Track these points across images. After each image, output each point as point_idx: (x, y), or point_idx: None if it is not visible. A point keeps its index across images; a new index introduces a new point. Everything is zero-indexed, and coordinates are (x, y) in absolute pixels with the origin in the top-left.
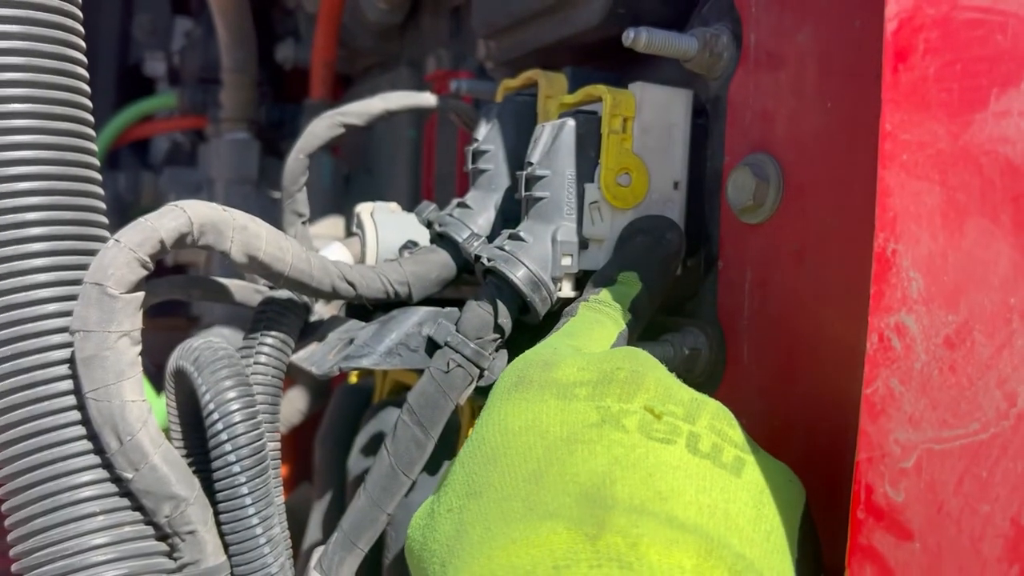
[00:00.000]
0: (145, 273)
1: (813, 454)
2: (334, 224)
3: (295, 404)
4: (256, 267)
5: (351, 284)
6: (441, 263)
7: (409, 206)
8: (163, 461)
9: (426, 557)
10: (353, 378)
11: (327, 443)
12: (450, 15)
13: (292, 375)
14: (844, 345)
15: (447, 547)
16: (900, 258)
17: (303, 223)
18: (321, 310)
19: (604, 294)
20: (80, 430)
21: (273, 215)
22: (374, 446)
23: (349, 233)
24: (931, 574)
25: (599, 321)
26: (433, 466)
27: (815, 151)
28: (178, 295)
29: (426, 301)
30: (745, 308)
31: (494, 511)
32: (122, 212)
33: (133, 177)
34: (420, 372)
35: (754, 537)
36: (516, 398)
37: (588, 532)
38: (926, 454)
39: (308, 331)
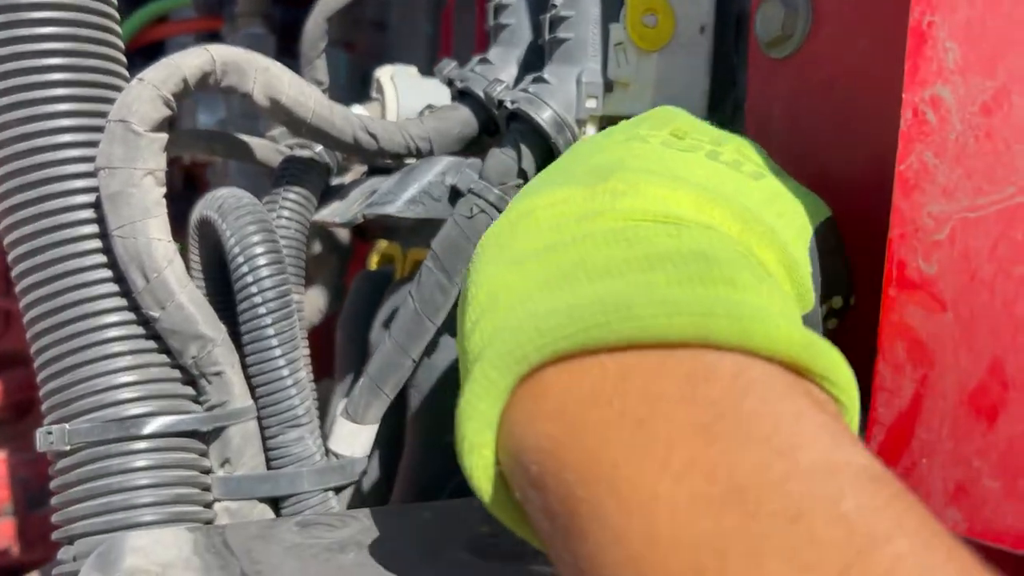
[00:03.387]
0: (168, 113)
1: None
2: None
3: (315, 303)
4: (278, 111)
5: (373, 136)
6: (463, 120)
7: None
8: (189, 300)
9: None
10: (373, 263)
11: (348, 325)
12: None
13: (309, 272)
14: (877, 167)
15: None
16: (936, 30)
17: (323, 91)
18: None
19: None
20: (106, 272)
21: None
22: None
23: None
24: (963, 342)
25: None
26: (454, 325)
27: None
28: (200, 149)
29: None
30: (772, 144)
31: (538, 184)
32: None
33: None
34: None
35: (764, 209)
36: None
37: (590, 186)
38: (960, 224)
39: (330, 193)
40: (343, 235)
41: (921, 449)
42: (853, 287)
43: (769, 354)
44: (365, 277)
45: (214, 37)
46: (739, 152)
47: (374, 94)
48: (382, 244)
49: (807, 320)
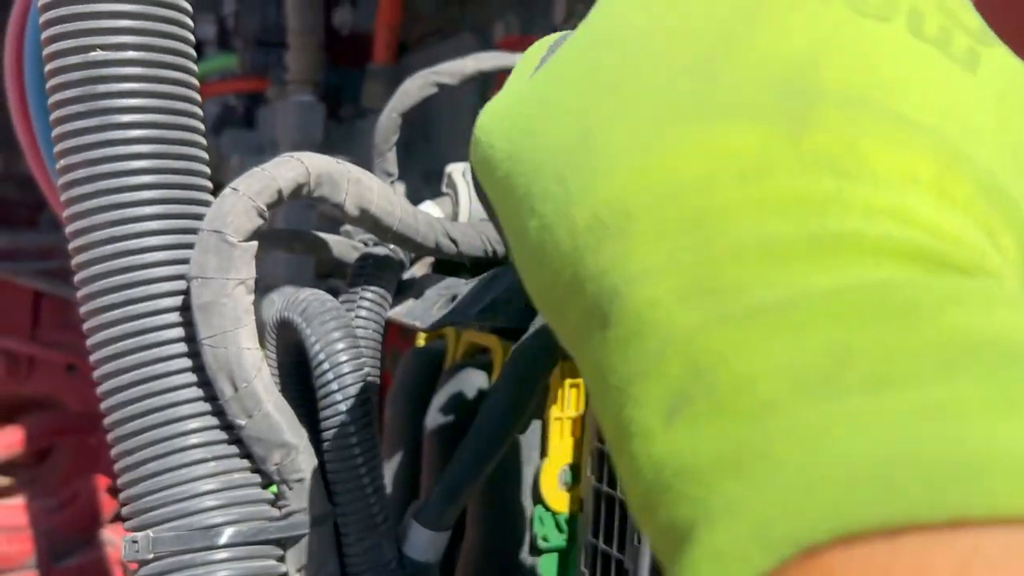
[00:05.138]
0: (261, 222)
1: None
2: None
3: None
4: (367, 220)
5: (453, 241)
6: None
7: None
8: (275, 409)
9: (523, 170)
10: (421, 340)
11: (399, 402)
12: None
13: None
14: None
15: (565, 157)
16: None
17: (392, 182)
18: (412, 269)
19: None
20: (190, 377)
21: None
22: (453, 405)
23: (438, 194)
24: None
25: None
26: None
27: None
28: (281, 248)
29: None
30: None
31: (643, 110)
32: None
33: None
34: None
35: (999, 153)
36: None
37: (787, 130)
38: None
39: (402, 288)
40: None
41: None
42: None
43: None
44: (417, 353)
45: (257, 99)
46: (943, 9)
47: (445, 188)
48: None
49: None
